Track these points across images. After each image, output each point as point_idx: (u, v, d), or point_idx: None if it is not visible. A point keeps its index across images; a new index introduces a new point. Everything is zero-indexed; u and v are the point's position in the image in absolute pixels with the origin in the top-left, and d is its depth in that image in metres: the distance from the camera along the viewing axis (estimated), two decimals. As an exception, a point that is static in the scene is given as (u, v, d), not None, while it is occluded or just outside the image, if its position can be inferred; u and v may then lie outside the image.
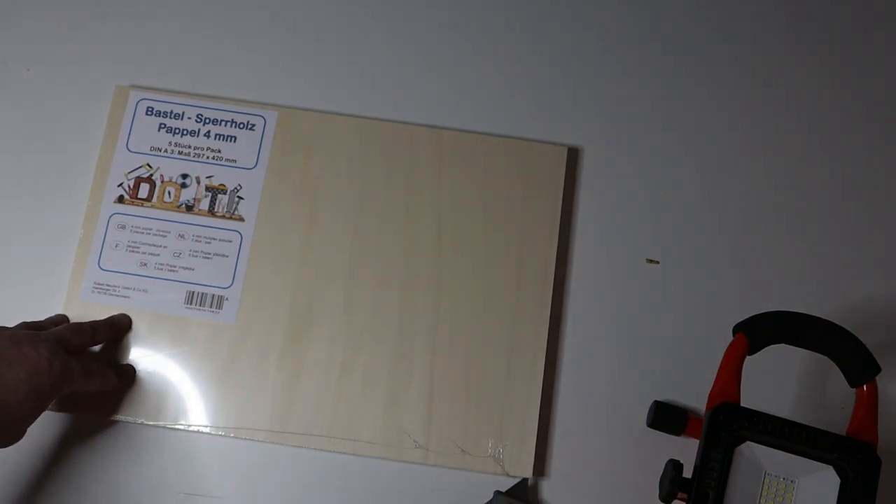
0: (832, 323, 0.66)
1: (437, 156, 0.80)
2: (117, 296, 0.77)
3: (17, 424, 0.65)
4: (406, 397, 0.75)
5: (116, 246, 0.78)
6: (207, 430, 0.75)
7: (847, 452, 0.63)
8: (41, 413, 0.66)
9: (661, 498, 0.65)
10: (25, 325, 0.71)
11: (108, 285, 0.77)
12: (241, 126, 0.80)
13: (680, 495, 0.64)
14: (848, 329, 0.65)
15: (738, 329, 0.67)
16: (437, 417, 0.75)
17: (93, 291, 0.77)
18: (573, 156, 0.82)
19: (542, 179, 0.80)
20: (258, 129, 0.80)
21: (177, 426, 0.75)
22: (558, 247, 0.79)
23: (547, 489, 0.75)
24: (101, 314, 0.76)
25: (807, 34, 0.86)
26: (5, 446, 0.65)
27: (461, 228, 0.79)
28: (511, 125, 0.82)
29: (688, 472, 0.64)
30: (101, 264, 0.78)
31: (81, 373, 0.68)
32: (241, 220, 0.78)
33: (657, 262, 0.80)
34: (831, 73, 0.85)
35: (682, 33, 0.86)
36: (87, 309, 0.77)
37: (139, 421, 0.75)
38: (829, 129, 0.83)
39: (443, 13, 0.86)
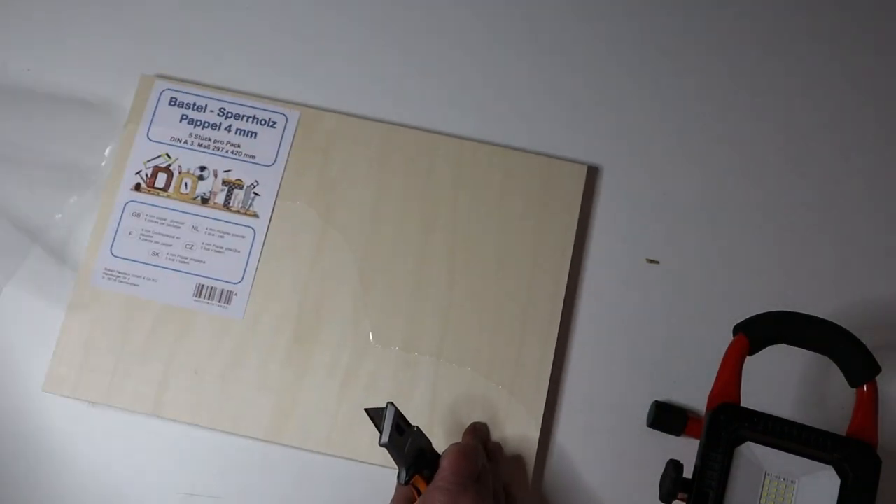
0: (832, 323, 0.66)
1: (456, 166, 0.81)
2: (127, 283, 0.77)
3: None
4: (409, 406, 0.75)
5: (130, 234, 0.79)
6: (207, 426, 0.75)
7: (847, 452, 0.63)
8: None
9: (661, 498, 0.64)
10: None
11: (118, 272, 0.78)
12: (263, 123, 0.82)
13: (680, 495, 0.63)
14: (848, 329, 0.66)
15: (738, 329, 0.68)
16: (438, 429, 0.74)
17: (103, 277, 0.78)
18: (592, 174, 0.82)
19: (559, 196, 0.80)
20: (279, 126, 0.82)
21: (177, 421, 0.75)
22: (571, 262, 0.79)
23: (547, 489, 0.75)
24: (110, 301, 0.77)
25: (815, 45, 0.87)
26: None
27: (474, 241, 0.79)
28: (532, 140, 0.83)
29: (688, 473, 0.64)
30: (113, 251, 0.78)
31: None
32: (256, 216, 0.79)
33: (657, 262, 0.80)
34: (832, 74, 0.86)
35: (704, 56, 0.86)
36: (96, 294, 0.77)
37: (140, 412, 0.75)
38: (829, 129, 0.84)
39: (472, 26, 0.87)
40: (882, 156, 0.83)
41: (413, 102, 0.84)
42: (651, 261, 0.80)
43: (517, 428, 0.75)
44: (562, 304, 0.78)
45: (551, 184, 0.81)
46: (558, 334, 0.77)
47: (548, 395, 0.76)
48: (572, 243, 0.79)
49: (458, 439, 0.74)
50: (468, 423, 0.75)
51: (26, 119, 0.83)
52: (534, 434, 0.75)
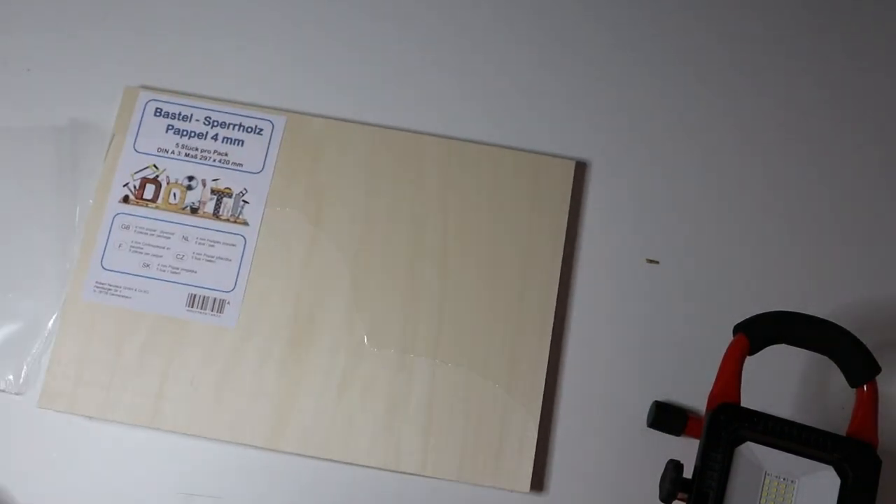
0: (832, 323, 0.66)
1: (444, 166, 0.81)
2: (119, 296, 0.77)
3: None
4: (405, 409, 0.75)
5: (120, 246, 0.78)
6: (205, 436, 0.75)
7: (847, 452, 0.63)
8: None
9: (662, 498, 0.64)
10: None
11: (109, 285, 0.77)
12: (249, 130, 0.81)
13: (680, 496, 0.63)
14: (848, 329, 0.66)
15: (738, 329, 0.68)
16: (435, 429, 0.74)
17: (94, 290, 0.77)
18: (580, 170, 0.82)
19: (548, 193, 0.80)
20: (266, 133, 0.81)
21: (175, 432, 0.75)
22: (563, 259, 0.79)
23: (547, 490, 0.75)
24: (103, 314, 0.76)
25: (811, 44, 0.86)
26: None
27: (466, 240, 0.79)
28: (520, 137, 0.83)
29: (688, 473, 0.64)
30: (103, 264, 0.78)
31: None
32: (246, 224, 0.79)
33: (657, 262, 0.80)
34: (831, 76, 0.85)
35: (694, 48, 0.86)
36: (88, 308, 0.77)
37: (137, 425, 0.75)
38: (831, 130, 0.84)
39: (455, 23, 0.86)
40: (883, 156, 0.83)
41: (399, 104, 0.84)
42: (651, 261, 0.80)
43: (515, 427, 0.75)
44: (555, 302, 0.77)
45: (539, 181, 0.80)
46: (554, 333, 0.77)
47: (547, 395, 0.76)
48: (563, 241, 0.79)
49: (455, 440, 0.74)
50: (466, 422, 0.74)
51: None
52: (532, 433, 0.74)
